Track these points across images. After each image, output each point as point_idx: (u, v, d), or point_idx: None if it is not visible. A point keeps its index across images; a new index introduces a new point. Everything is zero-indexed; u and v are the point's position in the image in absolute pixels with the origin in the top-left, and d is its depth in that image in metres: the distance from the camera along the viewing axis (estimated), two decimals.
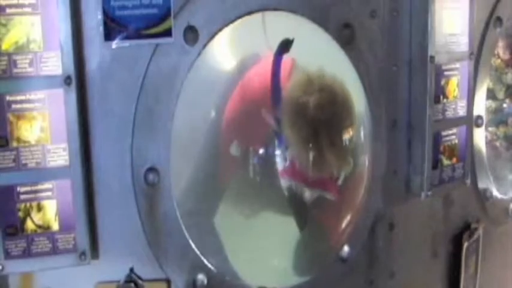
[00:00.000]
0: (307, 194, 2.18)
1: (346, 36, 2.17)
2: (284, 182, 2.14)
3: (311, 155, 2.12)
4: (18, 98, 1.73)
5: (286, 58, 2.08)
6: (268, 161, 2.09)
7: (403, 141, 2.40)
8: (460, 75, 2.42)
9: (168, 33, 1.86)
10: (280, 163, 2.11)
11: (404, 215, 2.48)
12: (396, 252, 2.47)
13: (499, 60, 2.92)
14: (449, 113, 2.42)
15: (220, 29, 1.94)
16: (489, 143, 2.86)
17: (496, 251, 2.90)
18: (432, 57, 2.31)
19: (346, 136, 2.19)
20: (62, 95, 1.76)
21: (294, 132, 2.10)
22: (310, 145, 2.11)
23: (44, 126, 1.76)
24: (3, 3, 1.68)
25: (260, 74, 2.09)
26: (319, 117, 2.09)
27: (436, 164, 2.41)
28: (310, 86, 2.08)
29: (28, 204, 1.77)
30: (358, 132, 2.24)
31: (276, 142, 2.10)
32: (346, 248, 2.29)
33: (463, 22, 2.40)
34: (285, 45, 2.07)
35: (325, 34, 2.12)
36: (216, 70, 2.01)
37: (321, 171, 2.18)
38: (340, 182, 2.24)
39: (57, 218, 1.80)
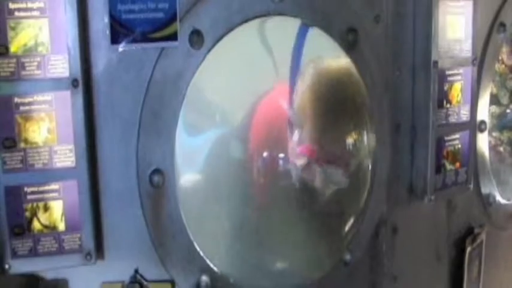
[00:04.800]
0: (320, 178, 2.20)
1: (350, 41, 2.19)
2: (295, 171, 2.16)
3: (327, 130, 2.17)
4: (26, 99, 1.75)
5: None
6: (277, 162, 2.11)
7: (406, 146, 2.42)
8: (463, 81, 2.44)
9: (173, 37, 1.88)
10: (294, 144, 2.12)
11: (408, 219, 2.49)
12: (399, 256, 2.48)
13: (503, 66, 2.93)
14: (453, 118, 2.43)
15: (225, 33, 1.96)
16: (493, 148, 2.87)
17: (499, 255, 2.91)
18: (435, 62, 2.32)
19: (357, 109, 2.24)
20: (69, 97, 1.78)
21: (309, 110, 2.13)
22: (325, 121, 2.16)
23: (51, 128, 1.78)
24: (12, 6, 1.71)
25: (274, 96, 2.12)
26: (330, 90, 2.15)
27: (439, 168, 2.42)
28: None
29: (35, 205, 1.79)
30: (361, 136, 2.25)
31: (288, 126, 2.12)
32: (349, 252, 2.30)
33: (466, 27, 2.41)
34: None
35: (329, 38, 2.14)
36: (221, 74, 2.02)
37: (338, 145, 2.22)
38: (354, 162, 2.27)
39: (63, 218, 1.82)
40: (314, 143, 2.15)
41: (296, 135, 2.11)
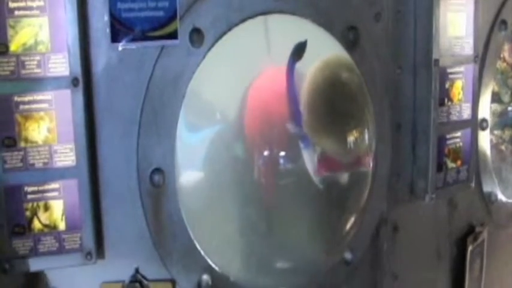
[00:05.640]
0: (342, 178, 2.22)
1: (350, 39, 2.18)
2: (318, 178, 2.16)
3: (341, 141, 2.17)
4: (26, 98, 1.75)
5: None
6: (278, 161, 2.11)
7: (407, 144, 2.41)
8: (464, 78, 2.43)
9: (173, 35, 1.88)
10: (311, 163, 2.12)
11: (409, 218, 2.49)
12: (400, 255, 2.47)
13: (504, 64, 2.92)
14: (454, 116, 2.43)
15: (225, 31, 1.96)
16: (494, 146, 2.86)
17: (500, 254, 2.90)
18: (436, 60, 2.32)
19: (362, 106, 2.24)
20: (69, 96, 1.78)
21: (318, 126, 2.13)
22: (337, 132, 2.16)
23: (51, 127, 1.78)
24: (12, 5, 1.70)
25: (268, 83, 2.11)
26: (334, 98, 2.15)
27: (440, 166, 2.41)
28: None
29: (35, 204, 1.79)
30: (363, 134, 2.25)
31: (302, 145, 2.11)
32: (349, 250, 2.30)
33: (467, 25, 2.40)
34: (297, 52, 2.08)
35: (330, 37, 2.14)
36: (222, 72, 2.02)
37: (355, 149, 2.22)
38: (372, 150, 2.27)
39: (63, 217, 1.82)
40: (330, 154, 2.16)
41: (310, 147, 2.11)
